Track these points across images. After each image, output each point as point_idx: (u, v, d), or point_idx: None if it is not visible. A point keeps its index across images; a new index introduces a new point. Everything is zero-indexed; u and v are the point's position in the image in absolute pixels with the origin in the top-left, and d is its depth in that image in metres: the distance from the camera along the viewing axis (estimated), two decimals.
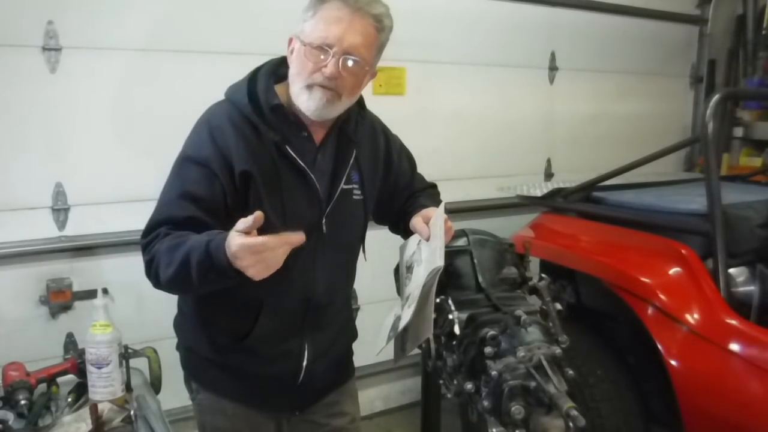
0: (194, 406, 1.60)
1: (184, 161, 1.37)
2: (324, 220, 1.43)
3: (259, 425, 1.57)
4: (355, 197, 1.48)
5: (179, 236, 1.29)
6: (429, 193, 1.65)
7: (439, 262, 1.25)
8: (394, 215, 1.63)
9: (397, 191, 1.62)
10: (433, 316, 1.35)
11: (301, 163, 1.39)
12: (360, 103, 1.50)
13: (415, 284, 1.34)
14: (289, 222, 1.35)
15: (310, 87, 1.33)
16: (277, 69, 1.44)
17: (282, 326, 1.46)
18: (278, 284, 1.29)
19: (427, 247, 1.36)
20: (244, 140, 1.35)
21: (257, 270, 1.18)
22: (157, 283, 1.33)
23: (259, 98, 1.38)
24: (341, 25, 1.29)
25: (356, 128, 1.48)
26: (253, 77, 1.42)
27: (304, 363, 1.50)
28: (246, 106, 1.37)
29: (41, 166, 2.26)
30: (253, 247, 1.15)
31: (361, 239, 1.56)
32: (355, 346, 1.72)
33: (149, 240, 1.33)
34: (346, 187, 1.46)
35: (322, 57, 1.31)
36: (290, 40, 1.39)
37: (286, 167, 1.38)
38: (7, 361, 1.53)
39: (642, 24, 3.70)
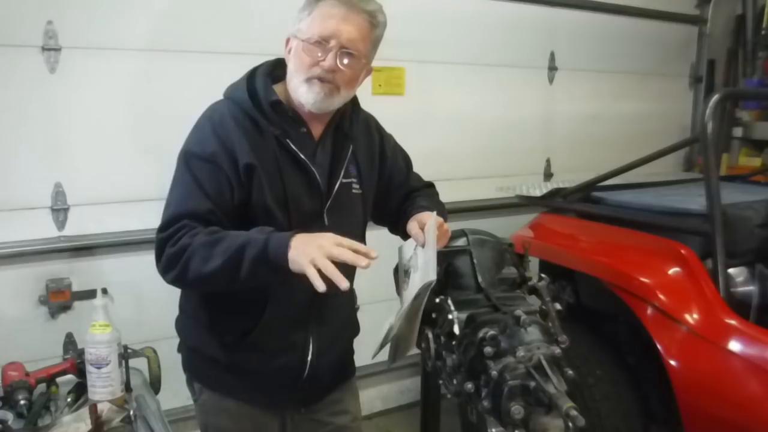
0: (197, 407, 1.60)
1: (191, 158, 1.38)
2: (325, 213, 1.46)
3: (264, 424, 1.57)
4: (353, 191, 1.52)
5: (212, 232, 1.30)
6: (426, 193, 1.66)
7: (432, 276, 1.25)
8: (391, 215, 1.63)
9: (392, 188, 1.64)
10: (417, 332, 1.36)
11: (302, 156, 1.42)
12: (354, 101, 1.52)
13: (409, 293, 1.34)
14: (291, 213, 1.39)
15: (309, 80, 1.37)
16: (273, 70, 1.48)
17: (287, 319, 1.47)
18: None
19: (423, 253, 1.36)
20: (246, 134, 1.38)
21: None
22: (182, 276, 1.30)
23: (258, 95, 1.42)
24: (337, 21, 1.34)
25: (351, 125, 1.52)
26: (251, 76, 1.46)
27: (309, 357, 1.51)
28: (246, 101, 1.41)
29: (41, 166, 2.26)
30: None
31: (362, 234, 1.57)
32: (356, 345, 1.72)
33: (170, 233, 1.32)
34: (345, 180, 1.49)
35: (319, 53, 1.35)
36: (287, 41, 1.43)
37: (287, 160, 1.41)
38: (6, 361, 1.53)
39: (641, 24, 3.70)
